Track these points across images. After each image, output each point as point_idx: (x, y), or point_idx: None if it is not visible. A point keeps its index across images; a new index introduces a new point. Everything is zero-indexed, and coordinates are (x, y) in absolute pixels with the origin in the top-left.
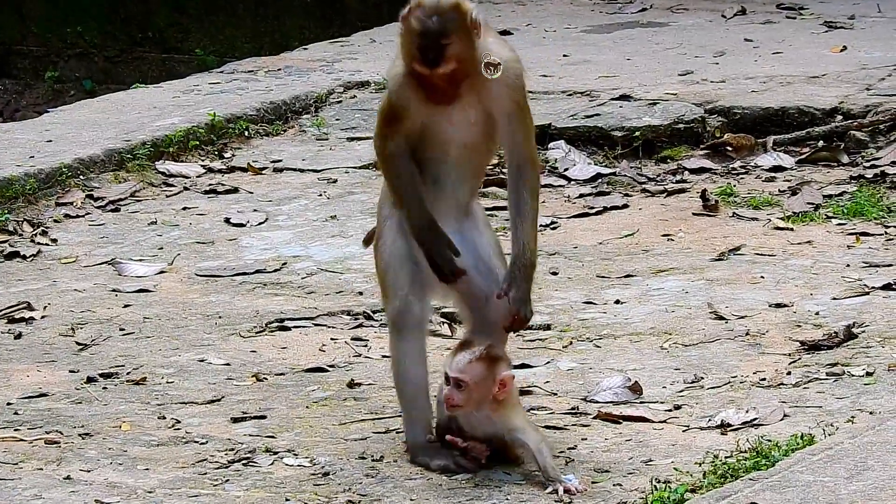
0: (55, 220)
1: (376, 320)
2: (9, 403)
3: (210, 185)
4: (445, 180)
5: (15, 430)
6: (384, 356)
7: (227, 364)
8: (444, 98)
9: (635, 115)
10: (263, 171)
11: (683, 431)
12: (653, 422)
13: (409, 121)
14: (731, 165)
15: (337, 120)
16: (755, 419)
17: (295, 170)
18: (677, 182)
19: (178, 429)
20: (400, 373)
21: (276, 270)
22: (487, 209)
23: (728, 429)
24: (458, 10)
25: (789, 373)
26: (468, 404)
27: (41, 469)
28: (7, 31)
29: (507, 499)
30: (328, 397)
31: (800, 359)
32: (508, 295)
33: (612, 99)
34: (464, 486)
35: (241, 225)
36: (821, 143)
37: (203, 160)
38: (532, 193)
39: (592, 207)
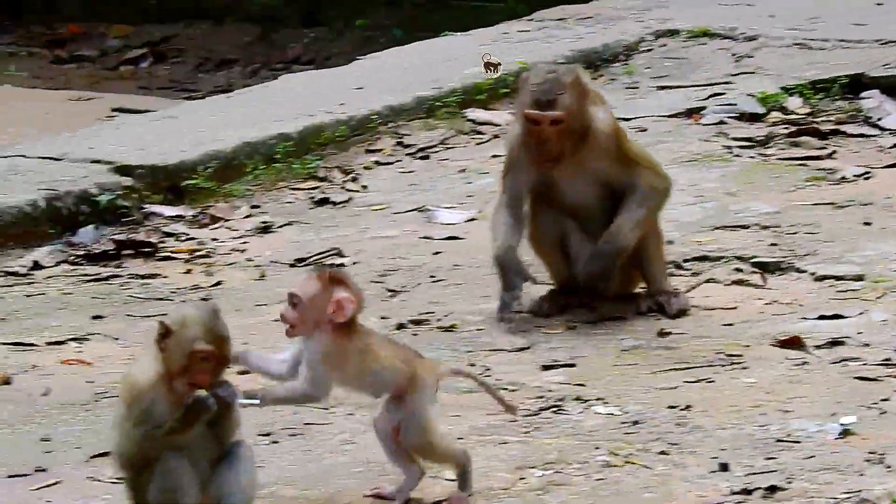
0: (365, 167)
1: (686, 269)
2: None
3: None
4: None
5: None
6: (694, 307)
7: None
8: (550, 160)
9: None
10: None
11: None
12: None
13: (523, 174)
14: None
15: (647, 69)
16: None
17: None
18: None
19: (489, 375)
20: None
21: None
22: (800, 158)
23: None
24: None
25: None
26: (302, 324)
27: (353, 414)
28: None
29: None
30: (638, 346)
31: None
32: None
33: None
34: (767, 436)
35: None
36: None
37: (512, 108)
38: (641, 201)
39: None
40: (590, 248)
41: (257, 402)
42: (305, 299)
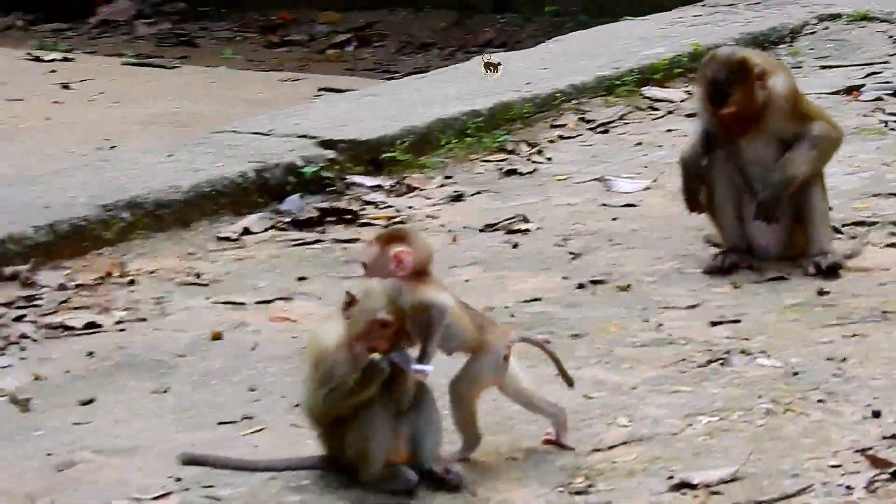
0: (550, 141)
1: (844, 233)
2: (506, 307)
3: (692, 108)
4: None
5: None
6: (851, 268)
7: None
8: (732, 137)
9: None
10: None
11: None
12: None
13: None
14: None
15: (811, 50)
16: None
17: None
18: None
19: (661, 331)
20: None
21: None
22: None
23: None
24: (743, 64)
25: None
26: None
27: (535, 367)
28: None
29: None
30: (799, 304)
31: None
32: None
33: None
34: None
35: None
36: None
37: (686, 86)
38: (813, 143)
39: None
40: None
41: (430, 369)
42: (369, 262)
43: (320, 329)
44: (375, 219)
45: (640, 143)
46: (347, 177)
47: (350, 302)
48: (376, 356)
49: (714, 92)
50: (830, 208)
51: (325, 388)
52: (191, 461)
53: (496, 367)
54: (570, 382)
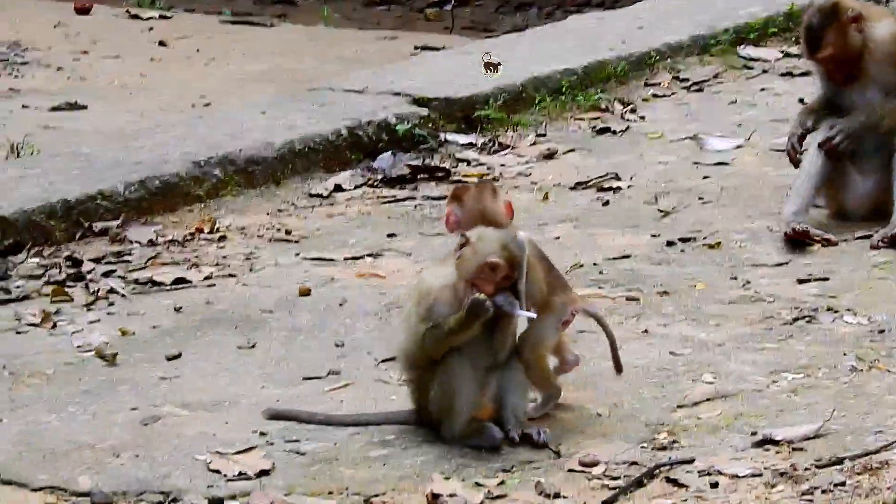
0: (644, 99)
1: None
2: (595, 263)
3: (786, 68)
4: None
5: (599, 287)
6: None
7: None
8: (839, 82)
9: None
10: None
11: None
12: None
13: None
14: None
15: None
16: None
17: None
18: None
19: (748, 288)
20: None
21: None
22: None
23: None
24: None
25: None
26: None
27: (621, 323)
28: None
29: None
30: (888, 262)
31: None
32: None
33: None
34: None
35: None
36: None
37: (781, 46)
38: None
39: None
40: (868, 168)
41: (533, 315)
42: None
43: (427, 270)
44: (467, 176)
45: (733, 102)
46: (440, 134)
47: (463, 244)
48: (481, 296)
49: (809, 37)
50: None
51: (425, 325)
52: (276, 416)
53: (555, 327)
54: (619, 368)
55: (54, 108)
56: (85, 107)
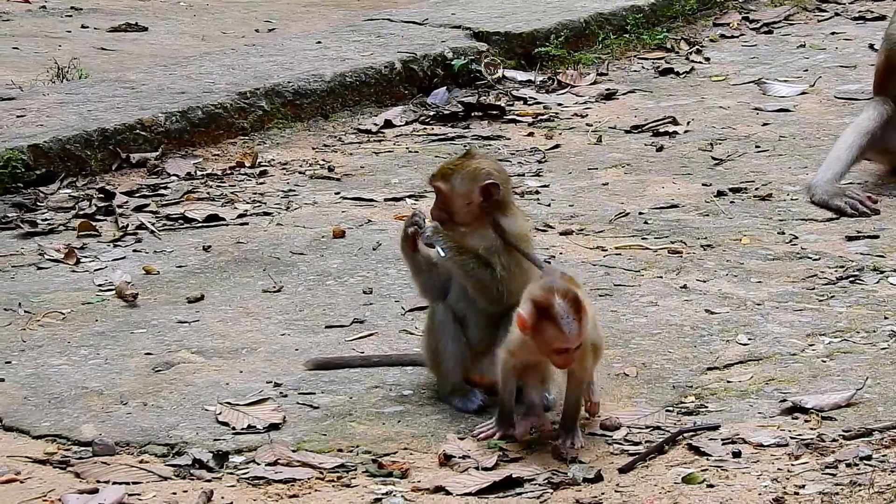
0: (711, 40)
1: None
2: (640, 213)
3: (860, 11)
4: None
5: (643, 238)
6: None
7: (850, 184)
8: None
9: None
10: None
11: None
12: None
13: None
14: None
15: None
16: None
17: None
18: None
19: (794, 244)
20: None
21: None
22: None
23: None
24: None
25: None
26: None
27: (660, 277)
28: None
29: None
30: None
31: None
32: None
33: None
34: None
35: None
36: None
37: None
38: None
39: None
40: None
41: (441, 252)
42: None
43: None
44: (522, 115)
45: (802, 46)
46: (499, 71)
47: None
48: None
49: None
50: None
51: None
52: (319, 366)
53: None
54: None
55: (113, 29)
56: (146, 28)
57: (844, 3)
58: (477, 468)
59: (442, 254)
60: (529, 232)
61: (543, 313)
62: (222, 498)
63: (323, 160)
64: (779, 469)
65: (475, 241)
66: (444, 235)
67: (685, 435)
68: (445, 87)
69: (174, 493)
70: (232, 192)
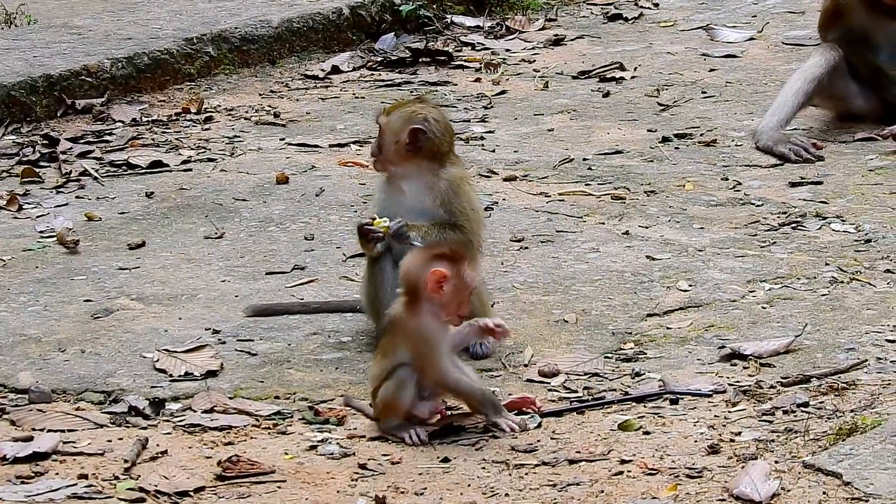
0: None
1: None
2: (585, 159)
3: None
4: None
5: (586, 184)
6: None
7: (795, 130)
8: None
9: None
10: None
11: None
12: None
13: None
14: None
15: None
16: None
17: None
18: None
19: (738, 190)
20: None
21: None
22: None
23: None
24: None
25: None
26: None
27: (603, 223)
28: None
29: None
30: (884, 167)
31: None
32: None
33: None
34: None
35: None
36: None
37: None
38: None
39: None
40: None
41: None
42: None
43: None
44: (470, 61)
45: None
46: (447, 16)
47: None
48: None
49: None
50: None
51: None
52: (258, 313)
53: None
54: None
55: None
56: None
57: None
58: None
59: (417, 243)
60: (468, 181)
61: (453, 261)
62: (157, 445)
63: (269, 106)
64: (715, 416)
65: (407, 186)
66: (409, 226)
67: (624, 384)
68: (393, 33)
69: (109, 441)
70: (177, 139)
